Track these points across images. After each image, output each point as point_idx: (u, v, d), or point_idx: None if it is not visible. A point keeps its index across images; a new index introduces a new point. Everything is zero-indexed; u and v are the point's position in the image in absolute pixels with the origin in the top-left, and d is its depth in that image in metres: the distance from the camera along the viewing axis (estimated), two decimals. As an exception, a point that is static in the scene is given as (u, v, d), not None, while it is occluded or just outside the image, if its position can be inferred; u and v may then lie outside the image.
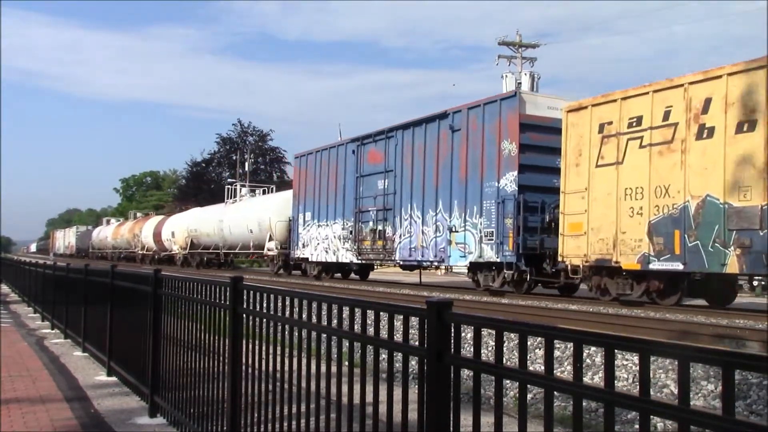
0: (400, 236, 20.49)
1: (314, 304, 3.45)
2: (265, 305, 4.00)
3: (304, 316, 3.54)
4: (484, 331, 2.63)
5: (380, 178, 21.60)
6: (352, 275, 26.99)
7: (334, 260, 24.33)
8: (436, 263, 20.00)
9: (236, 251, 35.62)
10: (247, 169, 63.40)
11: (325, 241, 24.79)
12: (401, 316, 2.79)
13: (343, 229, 23.55)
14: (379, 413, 2.83)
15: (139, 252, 52.18)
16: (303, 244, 26.39)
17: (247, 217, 32.98)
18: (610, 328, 9.40)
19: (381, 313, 2.98)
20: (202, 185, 69.59)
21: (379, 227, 21.51)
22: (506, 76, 37.27)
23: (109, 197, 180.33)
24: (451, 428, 2.46)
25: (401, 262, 21.15)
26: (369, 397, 2.99)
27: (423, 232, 19.49)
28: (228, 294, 4.47)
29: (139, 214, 63.12)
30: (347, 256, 23.43)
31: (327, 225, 24.67)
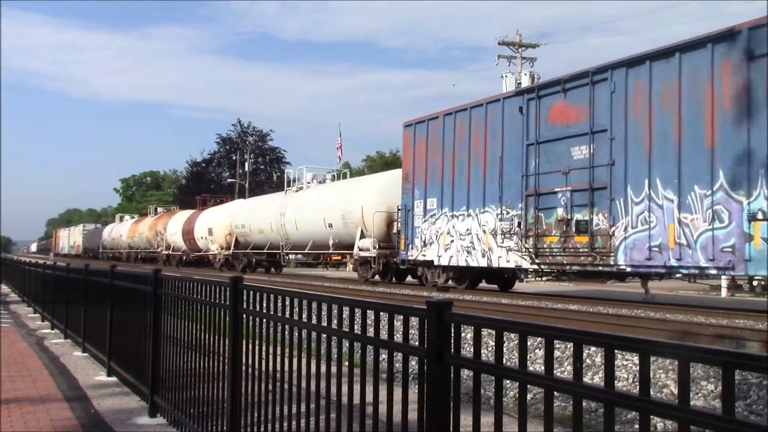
0: (626, 228, 13.56)
1: (314, 304, 3.45)
2: (265, 305, 4.00)
3: (304, 316, 3.54)
4: (484, 331, 2.63)
5: (578, 143, 14.72)
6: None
7: (484, 264, 17.39)
8: (713, 269, 12.30)
9: (305, 251, 28.58)
10: (247, 169, 63.42)
11: (464, 238, 17.93)
12: (401, 317, 2.79)
13: (500, 219, 16.70)
14: (379, 413, 2.84)
15: (163, 252, 45.36)
16: (424, 242, 19.39)
17: (325, 207, 25.89)
18: (610, 328, 9.40)
19: (381, 313, 2.98)
20: (202, 185, 69.59)
21: (579, 215, 14.61)
22: (506, 76, 37.34)
23: (109, 197, 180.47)
24: (451, 428, 2.46)
25: (628, 267, 13.82)
26: (369, 397, 2.99)
27: (680, 221, 12.53)
28: (228, 294, 4.47)
29: (160, 210, 55.28)
30: (510, 259, 16.52)
31: (467, 215, 17.84)
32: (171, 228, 44.42)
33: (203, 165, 77.14)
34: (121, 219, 66.88)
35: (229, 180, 66.81)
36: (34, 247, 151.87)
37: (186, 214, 44.59)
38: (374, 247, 22.29)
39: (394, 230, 21.75)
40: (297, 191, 30.17)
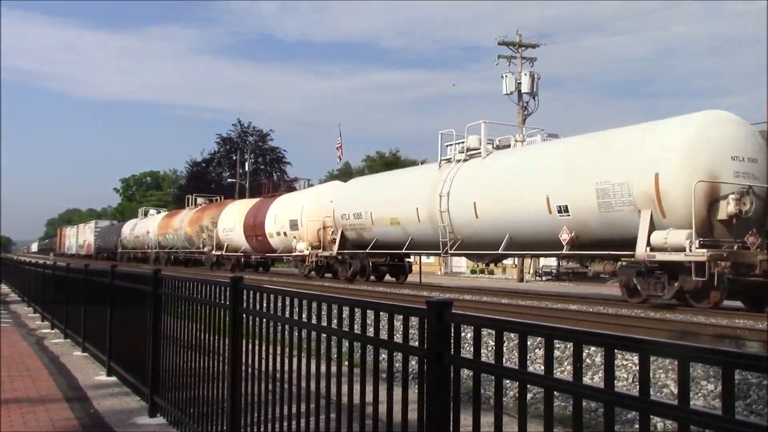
0: None
1: (314, 304, 3.45)
2: (265, 305, 4.00)
3: (304, 316, 3.54)
4: (484, 331, 2.63)
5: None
6: None
7: None
8: None
9: (498, 251, 17.60)
10: (247, 169, 63.39)
11: None
12: (401, 316, 2.79)
13: None
14: (379, 413, 2.83)
15: (213, 253, 35.58)
16: None
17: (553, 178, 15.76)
18: (610, 328, 9.40)
19: (381, 313, 2.98)
20: (202, 185, 69.61)
21: None
22: (506, 76, 37.33)
23: (109, 197, 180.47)
24: (451, 428, 2.46)
25: None
26: (369, 397, 2.99)
27: None
28: (228, 294, 4.46)
29: (200, 201, 46.21)
30: None
31: None
32: (225, 222, 34.75)
33: (203, 165, 77.12)
34: (146, 213, 57.21)
35: (229, 180, 66.79)
36: (34, 247, 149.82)
37: (246, 203, 35.06)
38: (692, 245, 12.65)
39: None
40: (467, 160, 19.60)
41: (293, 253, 27.11)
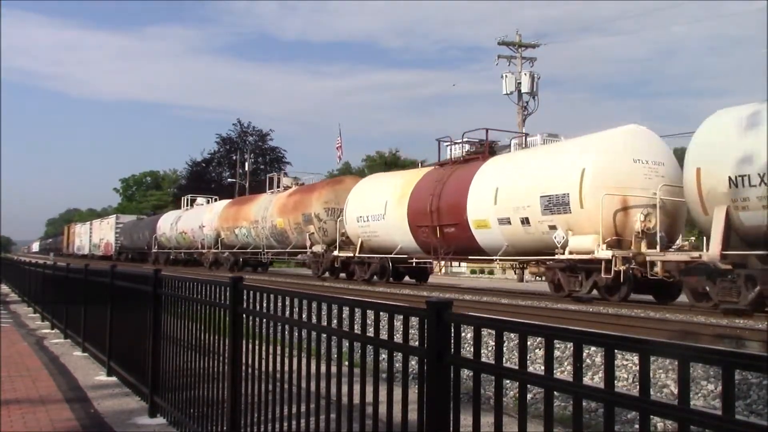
0: None
1: (314, 304, 3.45)
2: (265, 305, 4.00)
3: (304, 316, 3.54)
4: (484, 331, 2.63)
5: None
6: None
7: None
8: None
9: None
10: (247, 168, 63.43)
11: None
12: (401, 317, 2.79)
13: None
14: (379, 413, 2.83)
15: (334, 254, 24.58)
16: None
17: None
18: (610, 328, 9.40)
19: (381, 313, 2.98)
20: (202, 185, 69.64)
21: None
22: (506, 76, 37.34)
23: (109, 197, 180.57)
24: (451, 428, 2.46)
25: None
26: (369, 397, 2.99)
27: None
28: (228, 294, 4.46)
29: (286, 181, 33.09)
30: None
31: None
32: (360, 205, 23.32)
33: (203, 165, 77.17)
34: (191, 202, 44.83)
35: (229, 180, 66.81)
36: (35, 247, 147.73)
37: (401, 176, 23.56)
38: None
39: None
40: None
41: (571, 257, 15.47)
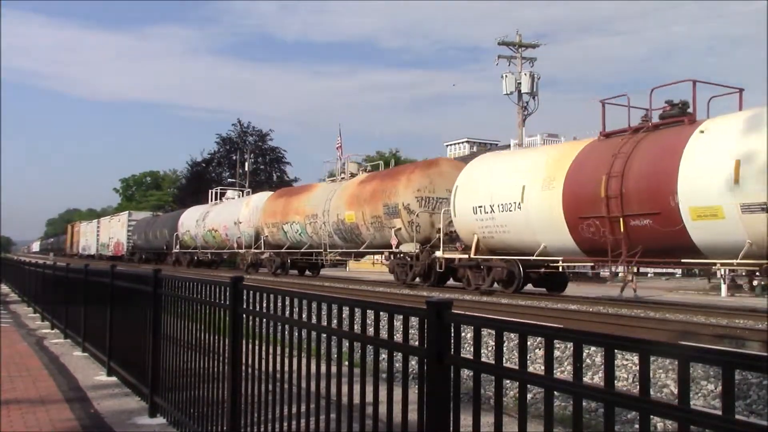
0: None
1: (314, 304, 3.45)
2: (265, 305, 4.00)
3: (304, 316, 3.54)
4: (484, 331, 2.63)
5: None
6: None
7: None
8: None
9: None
10: (247, 168, 63.41)
11: None
12: (401, 316, 2.79)
13: None
14: (379, 413, 2.83)
15: (447, 255, 19.04)
16: None
17: None
18: (610, 328, 9.40)
19: (381, 313, 2.98)
20: (202, 185, 69.62)
21: None
22: (506, 76, 37.31)
23: (109, 197, 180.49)
24: (451, 428, 2.46)
25: None
26: (369, 398, 2.99)
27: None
28: (228, 294, 4.46)
29: (352, 167, 27.78)
30: None
31: None
32: (479, 186, 18.13)
33: (203, 165, 77.06)
34: (220, 196, 39.43)
35: (229, 180, 66.78)
36: (36, 247, 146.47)
37: (526, 155, 19.10)
38: None
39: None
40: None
41: None
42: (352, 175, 26.72)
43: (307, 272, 30.96)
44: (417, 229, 20.78)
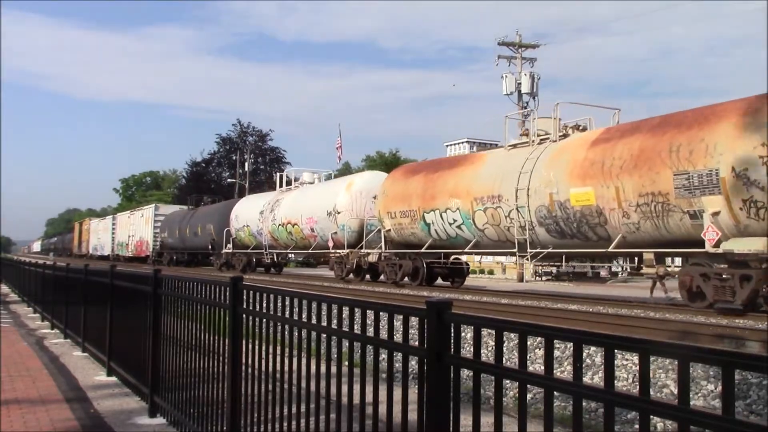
0: None
1: (314, 304, 3.45)
2: (265, 305, 4.00)
3: (304, 316, 3.54)
4: (484, 331, 2.63)
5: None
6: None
7: None
8: None
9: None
10: (247, 169, 63.40)
11: None
12: (401, 317, 2.79)
13: None
14: (379, 413, 2.83)
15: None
16: None
17: None
18: (610, 328, 9.40)
19: (381, 313, 2.98)
20: (202, 185, 69.60)
21: None
22: (506, 76, 37.32)
23: (109, 197, 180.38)
24: (451, 428, 2.46)
25: None
26: (369, 397, 2.99)
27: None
28: (228, 294, 4.46)
29: (535, 124, 17.26)
30: None
31: None
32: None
33: (203, 165, 77.11)
34: (288, 181, 31.23)
35: (229, 180, 66.77)
36: (36, 246, 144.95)
37: None
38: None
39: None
40: None
41: None
42: (563, 136, 16.47)
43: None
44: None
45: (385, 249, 21.49)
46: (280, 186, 31.24)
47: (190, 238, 38.51)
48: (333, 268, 24.57)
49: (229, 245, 32.78)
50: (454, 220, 18.47)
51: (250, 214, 31.19)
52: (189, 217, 40.12)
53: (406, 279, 20.39)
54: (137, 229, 48.79)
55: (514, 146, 17.92)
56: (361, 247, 22.81)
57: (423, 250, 19.81)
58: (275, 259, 30.07)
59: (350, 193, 24.24)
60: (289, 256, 30.74)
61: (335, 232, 24.21)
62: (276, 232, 28.51)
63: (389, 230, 21.30)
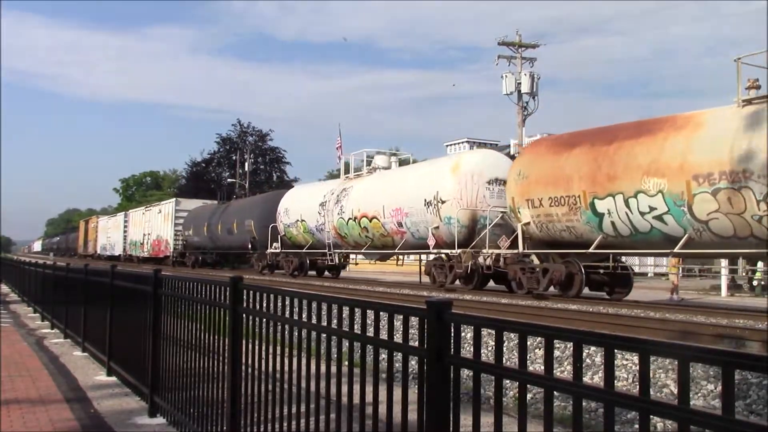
0: None
1: (314, 304, 3.45)
2: (265, 305, 4.00)
3: (304, 316, 3.54)
4: (484, 331, 2.63)
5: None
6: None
7: None
8: None
9: None
10: (247, 168, 63.40)
11: None
12: (401, 316, 2.79)
13: None
14: (379, 413, 2.83)
15: None
16: None
17: None
18: (610, 328, 9.40)
19: (381, 313, 2.98)
20: (202, 185, 69.54)
21: None
22: (506, 76, 37.28)
23: (109, 197, 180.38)
24: (451, 428, 2.46)
25: None
26: (369, 397, 2.99)
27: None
28: (228, 294, 4.46)
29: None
30: None
31: None
32: None
33: (203, 165, 77.05)
34: (353, 169, 26.19)
35: (229, 180, 66.76)
36: (37, 246, 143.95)
37: None
38: None
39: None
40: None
41: None
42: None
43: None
44: None
45: (523, 248, 16.52)
46: (346, 173, 25.92)
47: (223, 236, 32.85)
48: (429, 272, 19.75)
49: (276, 244, 27.41)
50: (652, 208, 13.38)
51: (307, 207, 25.72)
52: (221, 212, 34.28)
53: (552, 289, 15.89)
54: (154, 227, 43.15)
55: (749, 102, 12.48)
56: (475, 246, 18.02)
57: (590, 250, 14.70)
58: (338, 261, 25.04)
59: (457, 176, 18.81)
60: (355, 256, 25.56)
61: (437, 227, 18.97)
62: (344, 228, 23.23)
63: (528, 223, 16.35)
